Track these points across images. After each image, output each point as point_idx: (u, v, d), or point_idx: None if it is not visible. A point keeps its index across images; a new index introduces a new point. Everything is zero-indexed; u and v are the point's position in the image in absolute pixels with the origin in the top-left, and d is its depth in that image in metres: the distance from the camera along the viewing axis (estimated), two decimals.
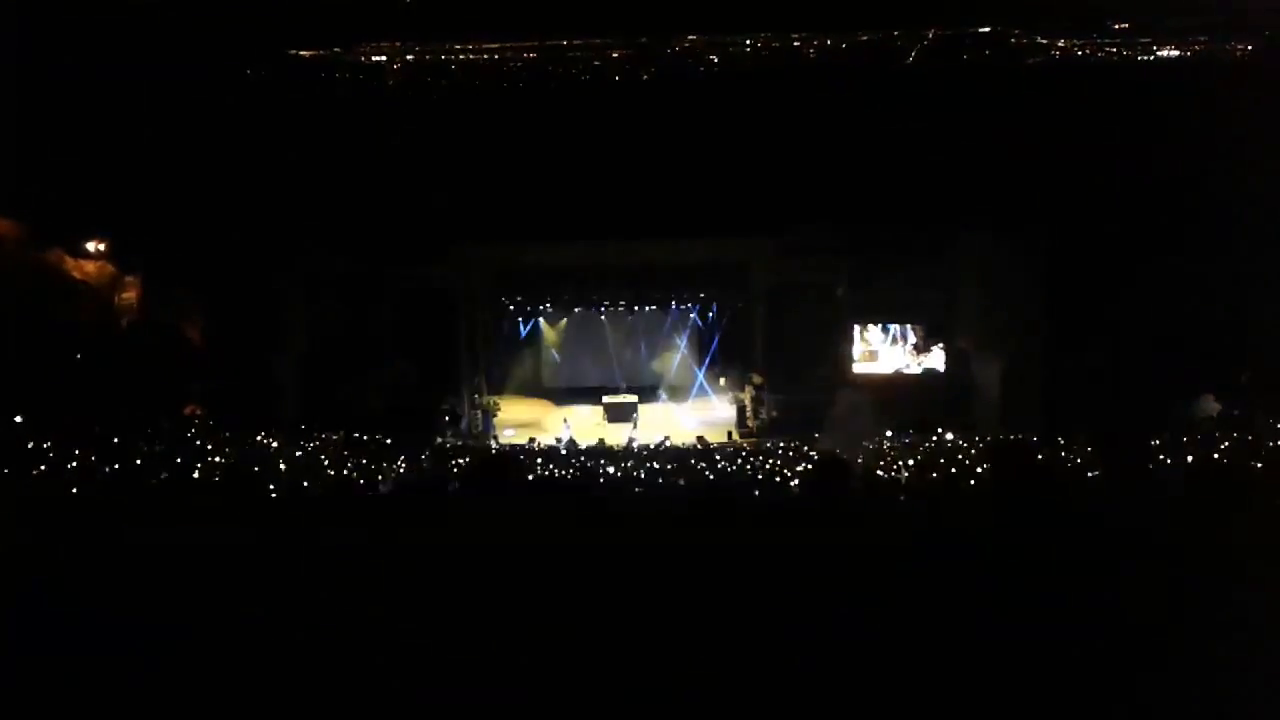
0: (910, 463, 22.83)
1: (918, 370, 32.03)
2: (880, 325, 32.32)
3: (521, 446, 29.64)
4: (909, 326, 32.22)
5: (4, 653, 3.45)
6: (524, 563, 4.12)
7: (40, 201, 31.08)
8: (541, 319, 35.92)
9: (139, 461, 18.67)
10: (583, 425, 31.91)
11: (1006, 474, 5.06)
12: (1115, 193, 32.62)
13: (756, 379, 34.19)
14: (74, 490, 8.59)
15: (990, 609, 3.72)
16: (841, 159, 36.15)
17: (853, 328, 32.26)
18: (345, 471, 22.11)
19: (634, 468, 23.38)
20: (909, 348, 32.20)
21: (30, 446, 18.44)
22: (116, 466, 17.50)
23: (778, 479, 19.23)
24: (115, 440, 20.51)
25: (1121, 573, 3.91)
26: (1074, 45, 57.98)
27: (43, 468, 16.39)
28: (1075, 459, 19.73)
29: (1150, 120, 32.61)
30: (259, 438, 24.86)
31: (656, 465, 23.54)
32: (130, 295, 32.95)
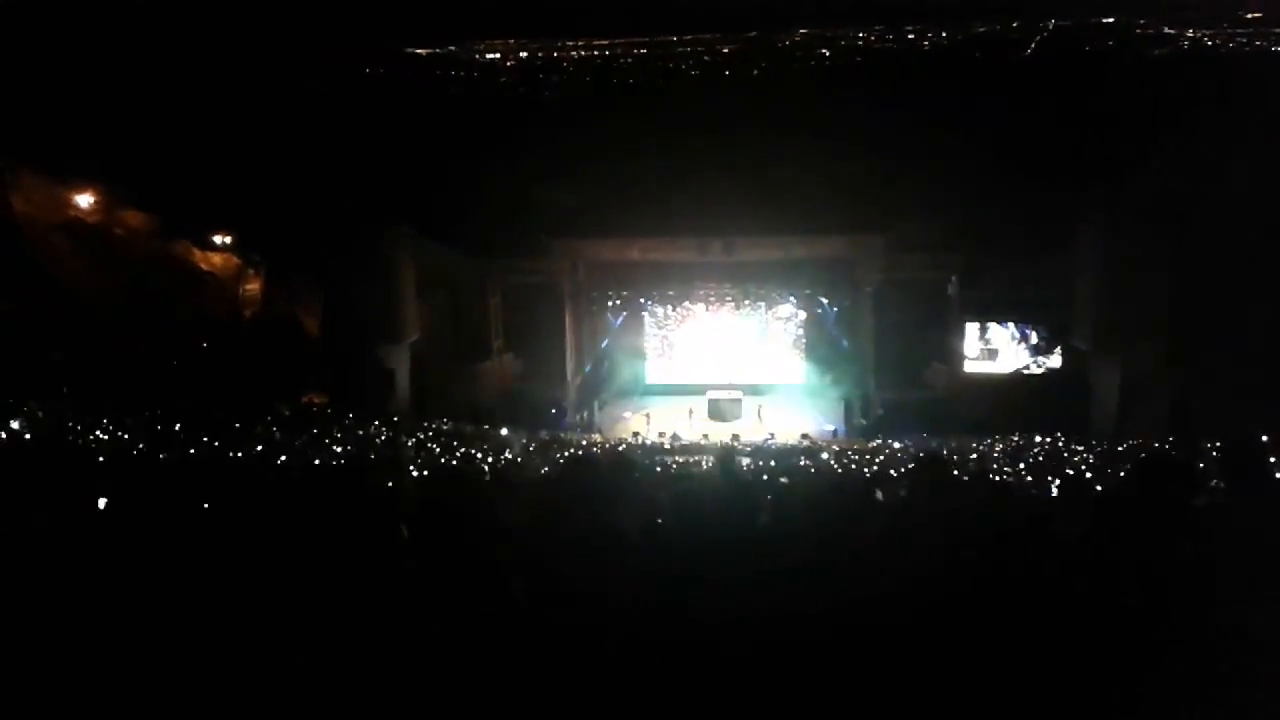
0: (1020, 467, 22.24)
1: (1039, 371, 31.00)
2: (1000, 323, 31.33)
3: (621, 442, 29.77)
4: (1029, 326, 31.20)
5: (136, 631, 3.61)
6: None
7: (169, 195, 32.48)
8: (645, 314, 35.98)
9: (260, 448, 19.31)
10: (681, 420, 31.85)
11: (1155, 489, 4.85)
12: (1244, 189, 31.16)
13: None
14: (202, 474, 8.95)
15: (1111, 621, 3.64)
16: (954, 153, 35.37)
17: (964, 325, 31.43)
18: (454, 461, 22.50)
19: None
20: (1028, 348, 31.21)
21: (160, 430, 19.26)
22: (239, 453, 18.13)
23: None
24: (238, 426, 21.26)
25: (1248, 586, 3.77)
26: (1203, 35, 55.67)
27: (170, 452, 17.06)
28: (1202, 466, 18.95)
29: None
30: (374, 426, 25.50)
31: (761, 463, 23.40)
32: (254, 287, 34.22)
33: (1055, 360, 30.88)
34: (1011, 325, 31.26)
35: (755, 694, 3.43)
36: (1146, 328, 27.67)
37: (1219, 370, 25.83)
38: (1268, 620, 3.50)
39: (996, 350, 31.43)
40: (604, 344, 36.01)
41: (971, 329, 31.46)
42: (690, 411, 32.73)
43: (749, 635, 3.58)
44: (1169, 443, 22.02)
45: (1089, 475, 19.46)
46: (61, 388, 21.86)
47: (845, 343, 34.58)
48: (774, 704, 3.43)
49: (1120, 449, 22.74)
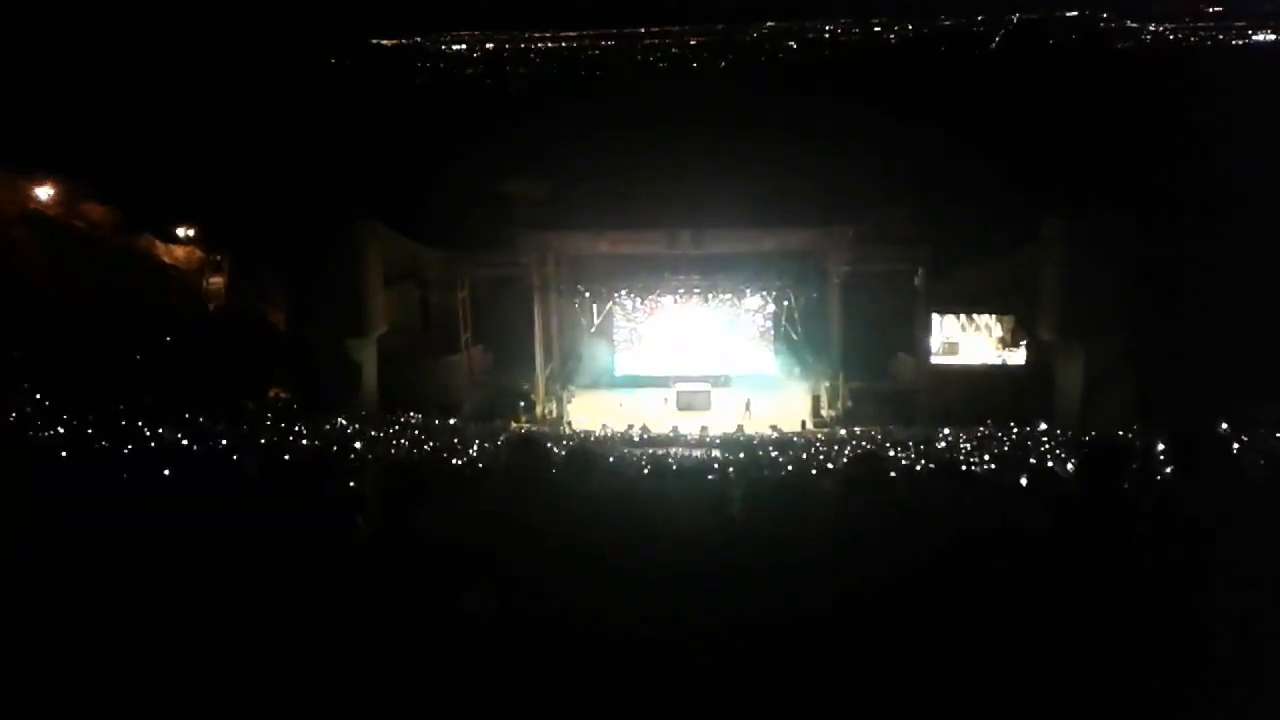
0: (986, 458, 22.43)
1: (1003, 363, 31.22)
2: (966, 315, 31.47)
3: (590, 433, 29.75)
4: (994, 318, 31.37)
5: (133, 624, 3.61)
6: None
7: (132, 189, 32.11)
8: (614, 307, 35.84)
9: (225, 442, 19.10)
10: (650, 412, 31.81)
11: (1099, 476, 4.93)
12: (1205, 182, 31.62)
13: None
14: (164, 470, 8.87)
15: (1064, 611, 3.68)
16: (921, 146, 35.60)
17: (931, 317, 31.56)
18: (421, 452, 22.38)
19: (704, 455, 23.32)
20: (995, 340, 31.37)
21: (123, 425, 19.03)
22: (203, 448, 17.94)
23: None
24: (201, 421, 21.04)
25: (1205, 570, 3.84)
26: (1165, 29, 56.31)
27: (131, 447, 16.87)
28: (1158, 455, 19.18)
29: (1244, 107, 31.55)
30: (339, 420, 25.34)
31: (729, 455, 23.48)
32: (218, 280, 33.89)
33: (1020, 352, 31.10)
34: (982, 318, 31.41)
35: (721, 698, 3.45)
36: (1110, 319, 27.99)
37: (1181, 360, 26.23)
38: (1232, 607, 3.57)
39: (956, 344, 31.61)
40: (573, 336, 35.86)
41: (938, 322, 31.65)
42: (665, 400, 32.82)
43: (715, 635, 3.59)
44: (1131, 432, 22.29)
45: (1053, 466, 19.68)
46: (22, 383, 21.55)
47: (813, 335, 34.61)
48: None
49: (1084, 439, 23.00)
